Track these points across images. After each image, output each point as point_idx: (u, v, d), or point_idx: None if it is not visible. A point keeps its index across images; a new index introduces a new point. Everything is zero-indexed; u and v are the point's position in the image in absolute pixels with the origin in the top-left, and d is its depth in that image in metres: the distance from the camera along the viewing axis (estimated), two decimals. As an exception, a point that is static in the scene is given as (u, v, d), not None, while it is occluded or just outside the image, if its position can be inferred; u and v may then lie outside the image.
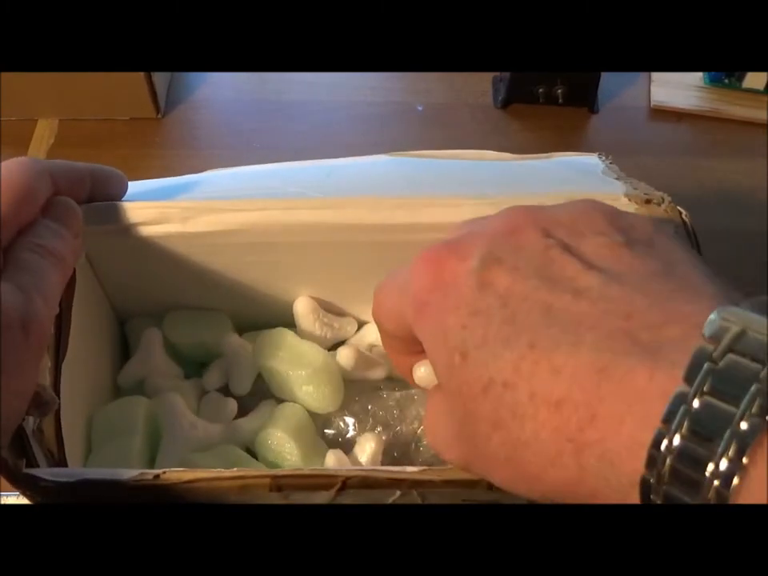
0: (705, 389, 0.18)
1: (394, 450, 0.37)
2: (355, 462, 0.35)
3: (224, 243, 0.34)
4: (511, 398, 0.22)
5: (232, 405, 0.37)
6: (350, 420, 0.37)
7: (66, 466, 0.30)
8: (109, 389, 0.38)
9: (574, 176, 0.39)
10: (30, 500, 0.28)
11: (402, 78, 0.67)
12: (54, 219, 0.30)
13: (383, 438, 0.36)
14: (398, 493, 0.27)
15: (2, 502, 0.39)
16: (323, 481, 0.27)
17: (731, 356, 0.18)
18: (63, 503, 0.27)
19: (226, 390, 0.39)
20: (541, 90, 0.63)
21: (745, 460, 0.17)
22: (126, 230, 0.33)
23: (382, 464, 0.36)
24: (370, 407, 0.38)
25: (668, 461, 0.18)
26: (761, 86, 0.65)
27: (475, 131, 0.63)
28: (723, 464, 0.18)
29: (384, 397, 0.38)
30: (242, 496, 0.27)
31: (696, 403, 0.18)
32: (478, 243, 0.25)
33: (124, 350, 0.40)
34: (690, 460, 0.18)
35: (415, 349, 0.27)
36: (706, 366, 0.18)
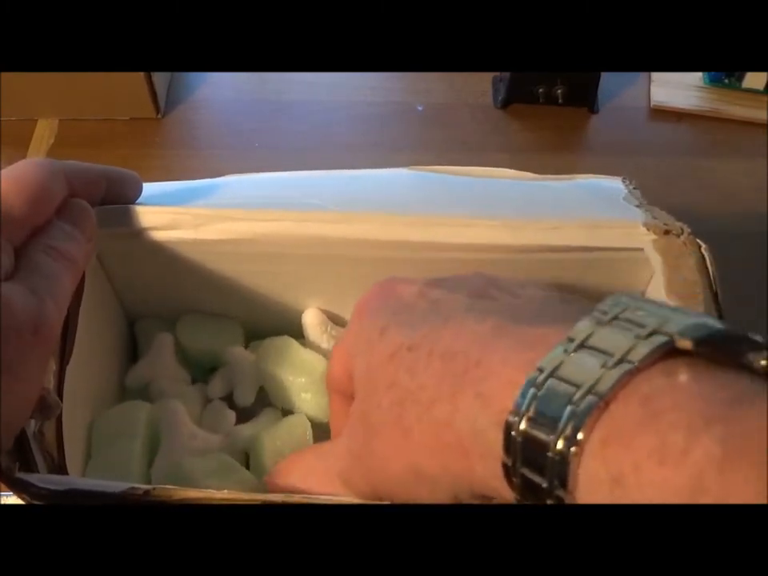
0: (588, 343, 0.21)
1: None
2: None
3: (235, 252, 0.34)
4: (411, 358, 0.25)
5: (231, 417, 0.37)
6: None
7: (65, 469, 0.30)
8: (115, 389, 0.38)
9: (594, 200, 0.38)
10: (25, 502, 0.28)
11: (402, 78, 0.67)
12: (68, 221, 0.30)
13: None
14: None
15: (2, 502, 0.39)
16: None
17: (613, 322, 0.21)
18: (58, 504, 0.27)
19: (230, 399, 0.39)
20: (541, 90, 0.63)
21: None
22: (138, 234, 0.33)
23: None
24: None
25: (534, 402, 0.20)
26: (761, 86, 0.65)
27: (475, 131, 0.63)
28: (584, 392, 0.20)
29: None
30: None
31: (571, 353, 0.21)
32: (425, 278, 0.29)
33: (133, 349, 0.40)
34: (553, 397, 0.20)
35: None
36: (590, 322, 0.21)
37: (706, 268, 0.32)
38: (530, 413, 0.20)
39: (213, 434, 0.36)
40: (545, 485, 0.20)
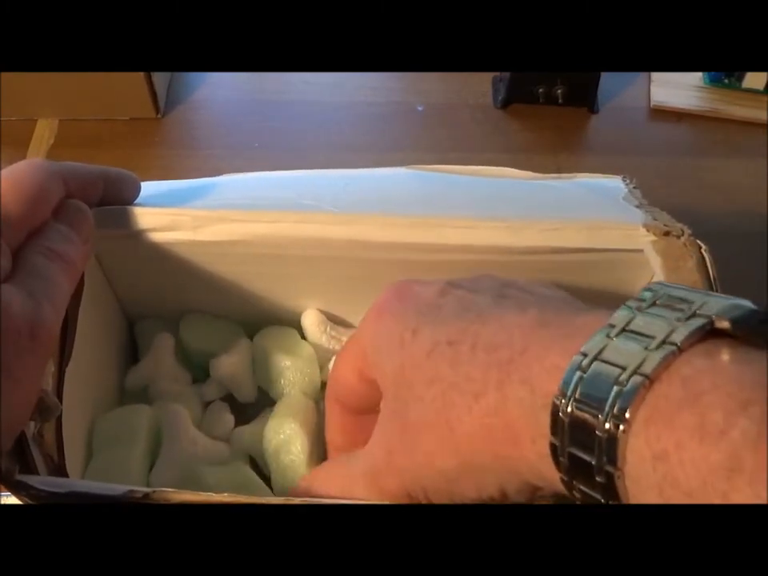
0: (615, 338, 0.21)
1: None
2: None
3: (234, 253, 0.34)
4: (453, 351, 0.25)
5: (230, 421, 0.37)
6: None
7: (65, 471, 0.30)
8: (114, 391, 0.38)
9: (594, 200, 0.38)
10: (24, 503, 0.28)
11: (403, 78, 0.67)
12: (65, 223, 0.30)
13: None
14: None
15: (2, 502, 0.39)
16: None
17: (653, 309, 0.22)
18: (57, 504, 0.27)
19: (231, 398, 0.39)
20: (541, 90, 0.63)
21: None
22: (137, 236, 0.33)
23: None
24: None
25: (580, 385, 0.21)
26: (760, 86, 0.65)
27: (475, 131, 0.63)
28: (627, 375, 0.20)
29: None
30: None
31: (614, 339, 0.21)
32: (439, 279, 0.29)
33: (133, 350, 0.40)
34: (598, 379, 0.21)
35: (365, 405, 0.30)
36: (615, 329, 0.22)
37: (706, 269, 0.32)
38: (577, 395, 0.21)
39: (214, 441, 0.36)
40: (594, 462, 0.21)
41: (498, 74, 0.66)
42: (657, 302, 0.22)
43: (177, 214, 0.33)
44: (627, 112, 0.65)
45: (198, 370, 0.39)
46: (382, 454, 0.27)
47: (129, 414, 0.35)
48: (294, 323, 0.39)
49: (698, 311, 0.21)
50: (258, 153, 0.61)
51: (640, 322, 0.21)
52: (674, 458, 0.19)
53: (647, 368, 0.20)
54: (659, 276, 0.32)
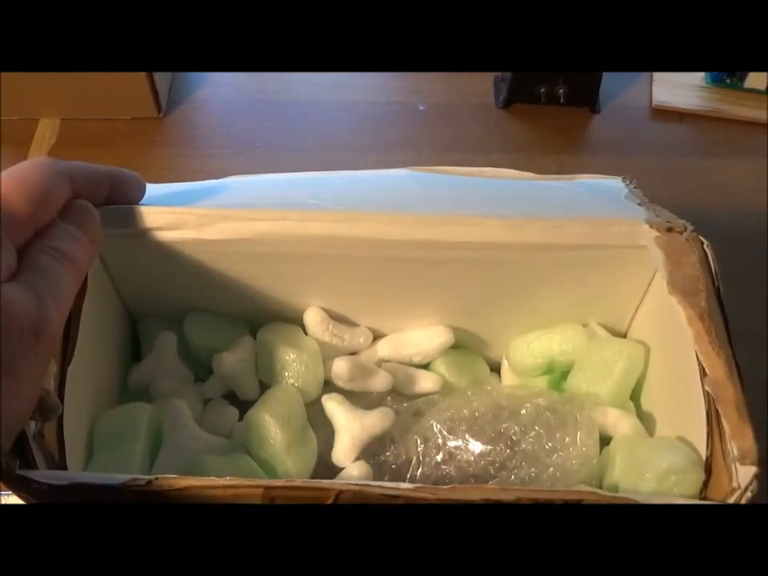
0: None
1: (394, 464, 0.36)
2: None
3: (238, 251, 0.34)
4: None
5: (233, 415, 0.37)
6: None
7: (65, 469, 0.30)
8: (117, 389, 0.38)
9: (596, 199, 0.39)
10: (25, 501, 0.28)
11: (404, 78, 0.67)
12: (72, 223, 0.29)
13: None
14: None
15: (2, 502, 0.39)
16: (316, 494, 0.27)
17: None
18: (56, 503, 0.27)
19: (232, 397, 0.39)
20: (542, 90, 0.63)
21: None
22: (141, 234, 0.33)
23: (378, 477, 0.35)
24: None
25: None
26: (762, 86, 0.65)
27: (477, 131, 0.63)
28: None
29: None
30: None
31: None
32: None
33: (135, 348, 0.41)
34: None
35: None
36: None
37: (709, 264, 0.32)
38: None
39: (215, 436, 0.36)
40: None
41: (499, 73, 0.66)
42: None
43: (181, 213, 0.33)
44: (629, 112, 0.65)
45: (201, 369, 0.39)
46: None
47: (129, 412, 0.35)
48: (296, 321, 0.39)
49: None
50: (259, 152, 0.61)
51: None
52: None
53: None
54: (662, 271, 0.32)
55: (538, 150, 0.62)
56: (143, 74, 0.59)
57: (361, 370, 0.38)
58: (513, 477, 0.34)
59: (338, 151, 0.61)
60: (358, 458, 0.36)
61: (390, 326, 0.40)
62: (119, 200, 0.33)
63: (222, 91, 0.66)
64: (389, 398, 0.39)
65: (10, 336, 0.24)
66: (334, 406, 0.36)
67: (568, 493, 0.27)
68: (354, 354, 0.40)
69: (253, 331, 0.39)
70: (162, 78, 0.62)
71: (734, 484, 0.27)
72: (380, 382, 0.38)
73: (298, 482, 0.27)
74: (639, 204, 0.36)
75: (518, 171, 0.40)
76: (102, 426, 0.34)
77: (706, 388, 0.29)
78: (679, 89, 0.66)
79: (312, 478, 0.35)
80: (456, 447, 0.35)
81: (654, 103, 0.65)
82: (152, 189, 0.35)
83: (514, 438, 0.35)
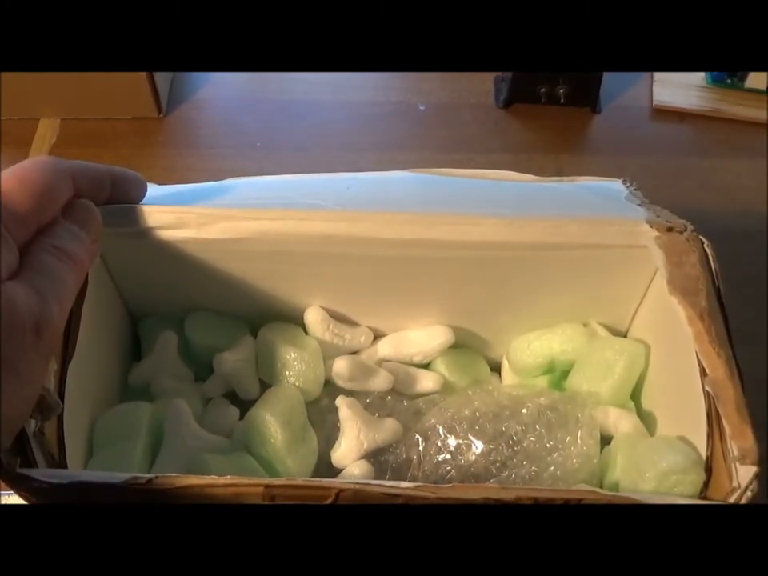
0: None
1: (394, 464, 0.36)
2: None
3: (238, 250, 0.34)
4: None
5: (234, 414, 0.37)
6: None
7: (66, 468, 0.30)
8: (117, 388, 0.38)
9: (597, 200, 0.39)
10: (25, 501, 0.28)
11: (404, 78, 0.67)
12: (74, 222, 0.29)
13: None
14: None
15: (2, 502, 0.39)
16: (316, 492, 0.27)
17: None
18: (56, 503, 0.27)
19: (232, 396, 0.39)
20: (543, 90, 0.63)
21: None
22: (142, 234, 0.33)
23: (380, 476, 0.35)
24: (376, 415, 0.37)
25: None
26: (763, 86, 0.64)
27: (477, 131, 0.63)
28: None
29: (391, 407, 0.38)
30: (235, 503, 0.27)
31: None
32: None
33: (136, 347, 0.41)
34: None
35: None
36: None
37: (709, 264, 0.32)
38: None
39: (216, 435, 0.36)
40: None
41: (499, 73, 0.66)
42: None
43: (182, 212, 0.33)
44: (629, 112, 0.65)
45: (201, 368, 0.39)
46: None
47: (130, 411, 0.35)
48: (297, 320, 0.39)
49: None
50: (259, 152, 0.61)
51: None
52: None
53: None
54: (662, 271, 0.32)
55: (538, 150, 0.62)
56: (143, 73, 0.59)
57: (361, 370, 0.38)
58: (513, 476, 0.34)
59: (338, 151, 0.61)
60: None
61: (391, 325, 0.40)
62: (120, 199, 0.33)
63: (222, 91, 0.66)
64: (389, 397, 0.39)
65: (11, 334, 0.24)
66: (347, 412, 0.36)
67: (568, 492, 0.27)
68: (354, 353, 0.40)
69: (253, 330, 0.39)
70: (162, 78, 0.62)
71: (734, 483, 0.27)
72: (380, 381, 0.38)
73: (299, 481, 0.27)
74: (639, 205, 0.37)
75: (518, 173, 0.40)
76: (103, 424, 0.34)
77: (707, 388, 0.29)
78: (679, 89, 0.66)
79: (313, 476, 0.35)
80: (457, 446, 0.35)
81: (654, 103, 0.65)
82: (153, 190, 0.35)
83: (515, 437, 0.35)
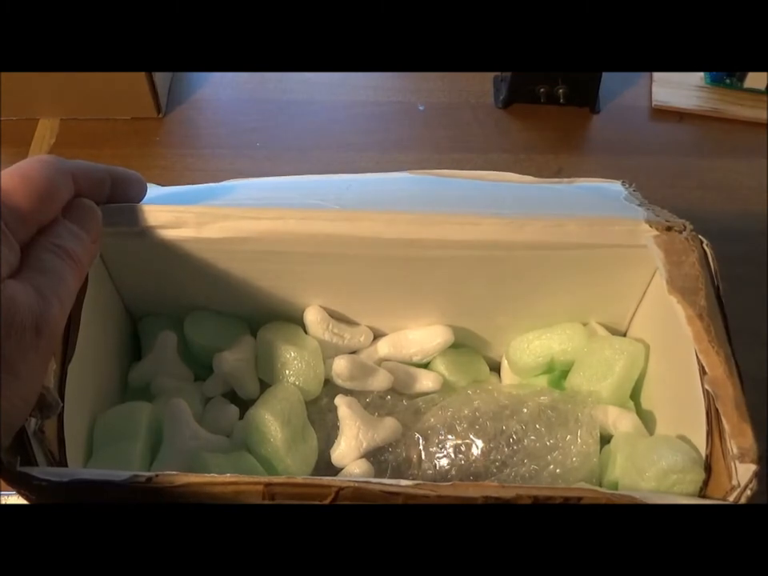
0: None
1: (394, 463, 0.36)
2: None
3: (237, 250, 0.34)
4: None
5: (234, 413, 0.37)
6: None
7: (66, 467, 0.30)
8: (117, 387, 0.38)
9: (596, 200, 0.39)
10: (26, 500, 0.28)
11: (404, 78, 0.67)
12: (75, 221, 0.30)
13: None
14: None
15: (2, 502, 0.39)
16: (316, 491, 0.27)
17: None
18: (56, 503, 0.27)
19: (232, 395, 0.39)
20: (542, 90, 0.63)
21: None
22: (142, 233, 0.33)
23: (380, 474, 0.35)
24: (376, 414, 0.37)
25: None
26: (762, 86, 0.65)
27: (477, 131, 0.63)
28: None
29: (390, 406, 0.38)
30: (235, 502, 0.27)
31: None
32: None
33: (135, 347, 0.41)
34: None
35: None
36: None
37: (708, 264, 0.32)
38: None
39: (216, 435, 0.36)
40: None
41: (499, 73, 0.66)
42: None
43: (181, 212, 0.33)
44: (629, 112, 0.65)
45: (201, 367, 0.39)
46: None
47: (129, 410, 0.35)
48: (296, 320, 0.39)
49: None
50: (259, 152, 0.61)
51: None
52: None
53: None
54: (662, 270, 0.32)
55: (537, 150, 0.62)
56: (143, 73, 0.59)
57: (361, 369, 0.38)
58: (513, 474, 0.34)
59: (337, 151, 0.61)
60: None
61: (390, 324, 0.40)
62: (120, 199, 0.33)
63: (221, 91, 0.66)
64: (389, 396, 0.39)
65: (11, 333, 0.24)
66: (347, 411, 0.36)
67: (568, 490, 0.27)
68: (354, 352, 0.40)
69: (253, 330, 0.39)
70: (161, 78, 0.62)
71: (734, 482, 0.27)
72: (380, 380, 0.38)
73: (299, 479, 0.27)
74: (639, 205, 0.37)
75: (517, 174, 0.40)
76: (103, 424, 0.34)
77: (706, 386, 0.29)
78: (679, 89, 0.66)
79: (312, 475, 0.35)
80: (457, 446, 0.35)
81: (653, 103, 0.65)
82: (152, 190, 0.35)
83: (515, 436, 0.35)
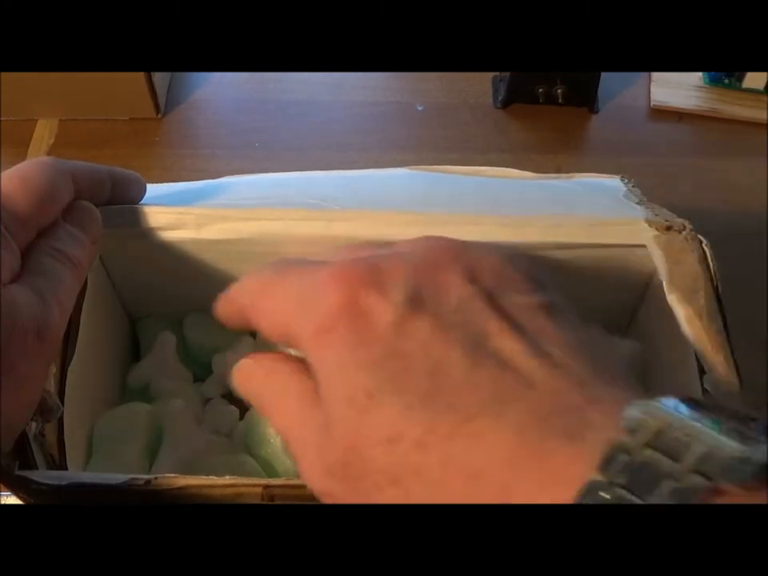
0: (618, 480, 0.18)
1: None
2: None
3: (237, 251, 0.34)
4: (421, 460, 0.21)
5: (233, 413, 0.37)
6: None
7: (66, 470, 0.30)
8: (116, 389, 0.38)
9: (595, 198, 0.39)
10: (23, 502, 0.28)
11: (402, 78, 0.67)
12: (75, 224, 0.29)
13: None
14: None
15: (2, 502, 0.39)
16: None
17: (648, 451, 0.19)
18: (55, 504, 0.27)
19: (231, 396, 0.39)
20: (541, 90, 0.63)
21: None
22: (141, 234, 0.33)
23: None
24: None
25: None
26: (761, 86, 0.64)
27: (475, 131, 0.63)
28: None
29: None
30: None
31: (607, 494, 0.18)
32: (401, 275, 0.23)
33: (134, 348, 0.40)
34: None
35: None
36: (621, 457, 0.18)
37: (708, 263, 0.32)
38: None
39: (215, 436, 0.36)
40: None
41: (497, 73, 0.66)
42: (653, 442, 0.19)
43: (180, 213, 0.33)
44: (627, 112, 0.65)
45: (200, 369, 0.39)
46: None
47: (128, 413, 0.35)
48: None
49: (698, 467, 0.18)
50: (258, 152, 0.61)
51: (632, 475, 0.18)
52: None
53: None
54: (661, 270, 0.32)
55: (536, 150, 0.62)
56: (142, 74, 0.59)
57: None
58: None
59: (337, 151, 0.61)
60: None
61: (390, 325, 0.40)
62: (120, 200, 0.33)
63: (221, 91, 0.66)
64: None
65: (12, 337, 0.24)
66: None
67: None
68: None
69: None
70: (160, 78, 0.62)
71: (734, 482, 0.27)
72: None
73: (298, 481, 0.27)
74: (638, 203, 0.37)
75: (517, 170, 0.40)
76: (102, 426, 0.34)
77: (706, 387, 0.29)
78: (678, 89, 0.66)
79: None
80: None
81: (652, 103, 0.65)
82: (151, 189, 0.35)
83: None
